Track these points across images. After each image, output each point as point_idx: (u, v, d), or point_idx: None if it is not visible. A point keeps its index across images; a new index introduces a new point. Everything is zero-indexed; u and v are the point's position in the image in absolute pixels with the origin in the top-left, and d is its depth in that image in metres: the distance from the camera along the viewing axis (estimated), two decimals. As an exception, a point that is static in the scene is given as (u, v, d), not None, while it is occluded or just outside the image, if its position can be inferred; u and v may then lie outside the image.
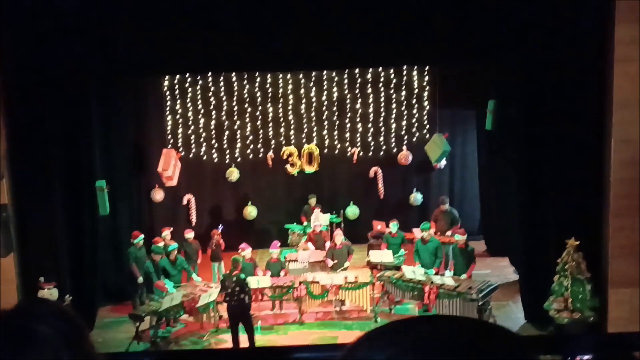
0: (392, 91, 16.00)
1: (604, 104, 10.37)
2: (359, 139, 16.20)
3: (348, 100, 16.04)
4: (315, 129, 16.15)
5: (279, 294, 12.32)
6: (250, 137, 16.08)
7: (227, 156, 16.10)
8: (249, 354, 4.79)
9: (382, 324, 1.26)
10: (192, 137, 15.96)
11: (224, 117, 15.95)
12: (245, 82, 15.82)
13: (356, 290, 12.22)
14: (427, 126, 16.02)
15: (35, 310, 1.54)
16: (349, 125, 16.17)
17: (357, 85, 15.96)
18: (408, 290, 12.11)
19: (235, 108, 15.93)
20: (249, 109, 15.97)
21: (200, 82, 15.73)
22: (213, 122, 15.96)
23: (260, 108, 15.97)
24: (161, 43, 10.60)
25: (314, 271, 12.84)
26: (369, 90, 15.99)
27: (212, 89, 15.82)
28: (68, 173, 11.65)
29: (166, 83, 15.62)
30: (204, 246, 13.79)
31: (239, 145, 16.08)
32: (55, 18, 10.43)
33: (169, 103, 15.74)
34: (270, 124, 16.07)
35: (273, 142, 16.13)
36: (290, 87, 15.93)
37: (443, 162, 15.82)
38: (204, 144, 16.02)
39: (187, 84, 15.75)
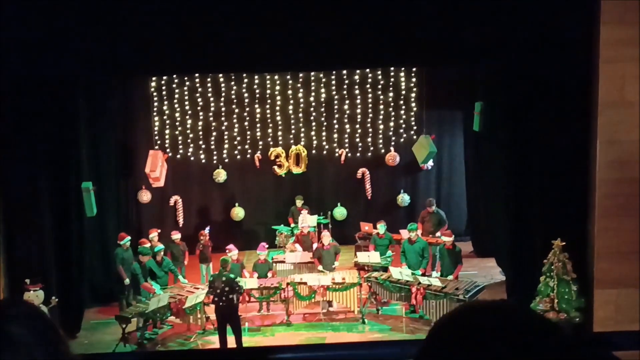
0: (379, 92, 16.02)
1: (589, 105, 10.41)
2: (346, 140, 16.21)
3: (336, 102, 16.04)
4: (302, 130, 16.14)
5: (266, 295, 12.32)
6: (238, 138, 16.05)
7: (215, 157, 16.07)
8: (236, 354, 4.78)
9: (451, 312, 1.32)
10: (180, 138, 15.92)
11: (211, 118, 15.91)
12: (232, 83, 15.79)
13: (343, 292, 12.23)
14: (415, 127, 16.05)
15: (9, 312, 1.53)
16: (336, 126, 16.17)
17: (345, 86, 15.97)
18: (395, 291, 12.14)
19: (223, 109, 15.90)
20: (237, 110, 15.94)
21: (187, 83, 15.69)
22: (200, 123, 15.93)
23: (247, 109, 15.95)
24: (148, 44, 10.56)
25: (301, 272, 12.85)
26: (357, 92, 16.01)
27: (200, 89, 15.79)
28: (55, 174, 11.58)
29: (153, 84, 15.57)
30: (191, 247, 13.75)
31: (226, 146, 16.05)
32: (44, 19, 10.36)
33: (156, 104, 15.69)
34: (258, 125, 16.05)
35: (261, 143, 16.11)
36: (277, 88, 15.91)
37: (430, 163, 15.85)
38: (191, 145, 15.99)
39: (174, 85, 15.71)
